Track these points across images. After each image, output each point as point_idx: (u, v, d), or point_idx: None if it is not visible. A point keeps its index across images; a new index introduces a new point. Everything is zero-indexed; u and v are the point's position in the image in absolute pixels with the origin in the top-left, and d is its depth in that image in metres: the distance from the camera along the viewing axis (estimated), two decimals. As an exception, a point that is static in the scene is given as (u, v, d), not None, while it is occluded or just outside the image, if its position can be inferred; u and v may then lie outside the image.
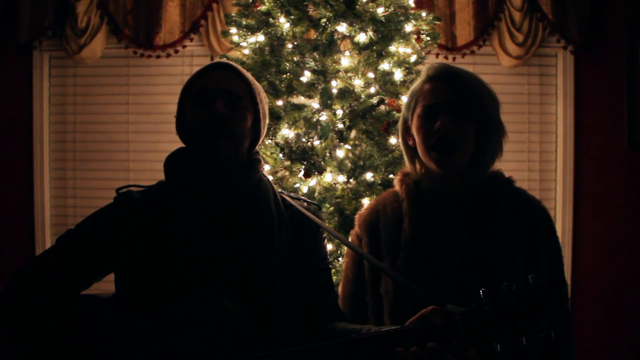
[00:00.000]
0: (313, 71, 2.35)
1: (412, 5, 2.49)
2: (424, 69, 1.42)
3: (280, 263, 1.27)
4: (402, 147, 1.48)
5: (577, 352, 1.39)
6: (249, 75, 1.37)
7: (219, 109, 1.27)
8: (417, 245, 1.35)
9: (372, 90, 2.37)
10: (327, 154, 2.35)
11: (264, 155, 2.32)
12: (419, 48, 2.50)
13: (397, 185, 1.47)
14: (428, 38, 2.53)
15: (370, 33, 2.33)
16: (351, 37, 2.38)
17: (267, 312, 1.21)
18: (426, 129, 1.34)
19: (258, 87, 1.38)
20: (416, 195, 1.42)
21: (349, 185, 2.33)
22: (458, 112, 1.32)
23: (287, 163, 2.34)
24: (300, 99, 2.45)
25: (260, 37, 2.43)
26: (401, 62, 2.40)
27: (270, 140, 2.36)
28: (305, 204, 1.43)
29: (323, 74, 2.34)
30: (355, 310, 1.44)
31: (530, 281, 0.99)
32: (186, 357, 1.08)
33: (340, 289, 1.52)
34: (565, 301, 1.37)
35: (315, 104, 2.39)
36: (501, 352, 0.99)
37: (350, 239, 1.52)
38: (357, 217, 1.52)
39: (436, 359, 0.99)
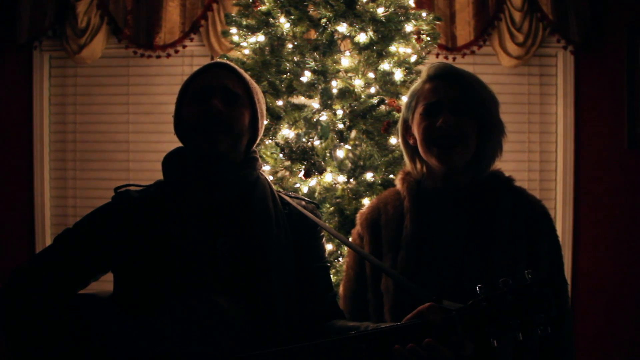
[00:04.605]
0: (313, 71, 2.35)
1: (412, 5, 2.49)
2: (424, 69, 1.43)
3: (277, 261, 1.27)
4: (402, 147, 1.49)
5: (577, 351, 1.39)
6: (246, 75, 1.39)
7: (216, 106, 1.27)
8: (417, 243, 1.36)
9: (372, 90, 2.37)
10: (327, 154, 2.35)
11: (264, 155, 2.32)
12: (419, 48, 2.50)
13: (398, 184, 1.48)
14: (428, 38, 2.53)
15: (371, 33, 2.33)
16: (351, 37, 2.38)
17: (265, 310, 1.21)
18: (428, 126, 1.36)
19: (255, 86, 1.40)
20: (417, 193, 1.43)
21: (349, 186, 2.33)
22: (459, 109, 1.34)
23: (288, 163, 2.34)
24: (301, 99, 2.45)
25: (261, 37, 2.43)
26: (401, 62, 2.40)
27: (270, 140, 2.36)
28: (303, 202, 1.44)
29: (323, 74, 2.34)
30: (357, 308, 1.45)
31: (526, 277, 0.99)
32: (184, 356, 1.08)
33: (341, 287, 1.53)
34: (565, 299, 1.38)
35: (315, 104, 2.39)
36: (498, 348, 0.99)
37: (351, 238, 1.53)
38: (358, 215, 1.54)
39: (433, 355, 0.99)
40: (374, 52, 2.36)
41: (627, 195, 3.21)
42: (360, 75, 2.31)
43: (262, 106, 1.40)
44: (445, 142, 1.34)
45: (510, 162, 3.14)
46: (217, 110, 1.27)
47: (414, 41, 2.45)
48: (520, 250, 1.32)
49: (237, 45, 2.51)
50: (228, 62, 1.41)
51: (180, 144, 1.38)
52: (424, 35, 2.52)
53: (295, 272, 1.32)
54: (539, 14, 3.18)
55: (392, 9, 2.39)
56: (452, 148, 1.34)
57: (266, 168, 2.34)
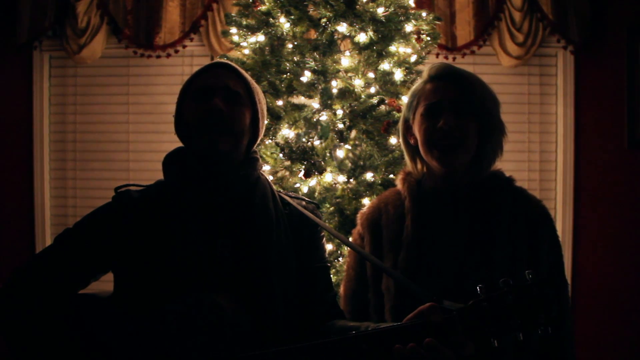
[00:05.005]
0: (313, 71, 2.35)
1: (412, 5, 2.49)
2: (425, 68, 1.44)
3: (278, 261, 1.28)
4: (403, 147, 1.49)
5: (577, 351, 1.39)
6: (247, 75, 1.39)
7: (217, 104, 1.27)
8: (418, 243, 1.36)
9: (372, 90, 2.37)
10: (327, 154, 2.35)
11: (264, 155, 2.32)
12: (419, 48, 2.50)
13: (399, 184, 1.49)
14: (428, 38, 2.53)
15: (371, 33, 2.33)
16: (351, 37, 2.38)
17: (265, 310, 1.21)
18: (429, 127, 1.36)
19: (256, 87, 1.40)
20: (418, 193, 1.43)
21: (349, 185, 2.33)
22: (460, 110, 1.34)
23: (288, 163, 2.34)
24: (301, 99, 2.45)
25: (261, 37, 2.43)
26: (401, 62, 2.40)
27: (270, 140, 2.36)
28: (303, 202, 1.44)
29: (323, 74, 2.34)
30: (358, 308, 1.45)
31: (527, 277, 1.00)
32: (185, 356, 1.08)
33: (342, 287, 1.53)
34: (565, 299, 1.38)
35: (315, 104, 2.39)
36: (498, 348, 1.00)
37: (352, 238, 1.54)
38: (359, 215, 1.54)
39: (434, 355, 1.00)
40: (374, 52, 2.36)
41: (627, 195, 3.21)
42: (360, 75, 2.31)
43: (262, 106, 1.40)
44: (446, 143, 1.34)
45: (510, 162, 3.14)
46: (218, 109, 1.27)
47: (414, 41, 2.45)
48: (520, 251, 1.32)
49: (237, 45, 2.51)
50: (229, 62, 1.41)
51: (180, 144, 1.38)
52: (424, 35, 2.52)
53: (296, 272, 1.32)
54: (539, 14, 3.18)
55: (392, 9, 2.39)
56: (453, 150, 1.34)
57: (266, 168, 2.34)
